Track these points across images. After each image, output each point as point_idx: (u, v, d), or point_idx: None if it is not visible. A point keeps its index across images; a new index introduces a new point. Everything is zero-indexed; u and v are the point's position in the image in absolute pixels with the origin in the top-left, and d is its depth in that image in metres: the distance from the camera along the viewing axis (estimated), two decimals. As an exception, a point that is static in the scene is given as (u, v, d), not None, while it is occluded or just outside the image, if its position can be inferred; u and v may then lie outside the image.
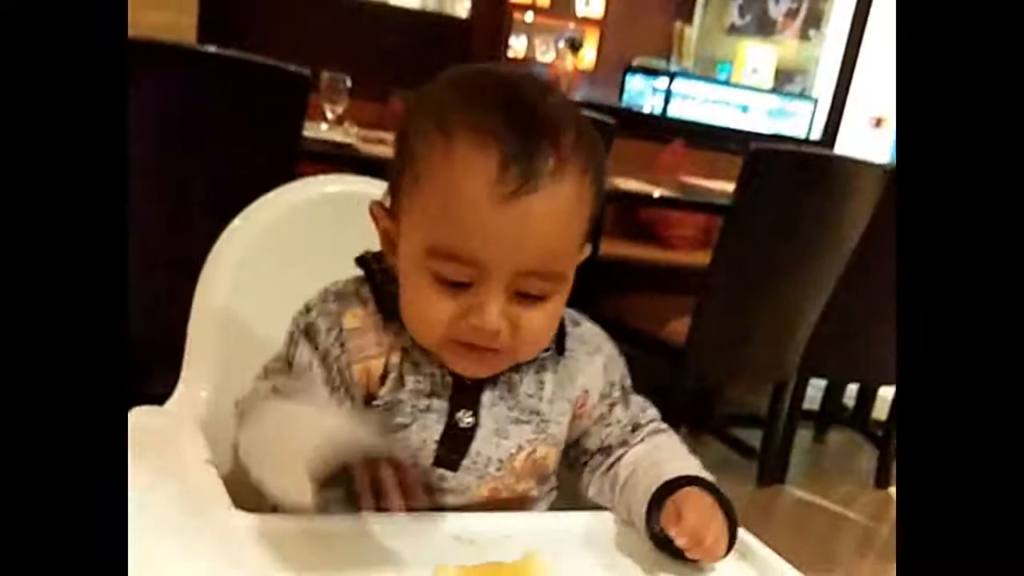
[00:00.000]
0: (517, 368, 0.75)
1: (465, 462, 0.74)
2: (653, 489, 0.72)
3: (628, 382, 0.83)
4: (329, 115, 2.76)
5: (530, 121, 0.65)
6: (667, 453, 0.79)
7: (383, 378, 0.72)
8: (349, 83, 2.78)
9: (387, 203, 0.73)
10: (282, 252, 0.92)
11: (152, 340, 1.28)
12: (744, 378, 2.93)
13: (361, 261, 0.76)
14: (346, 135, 2.68)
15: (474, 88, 0.69)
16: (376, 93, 3.42)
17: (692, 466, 0.76)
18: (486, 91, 0.68)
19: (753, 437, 2.80)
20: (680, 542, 0.68)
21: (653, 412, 0.84)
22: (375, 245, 0.93)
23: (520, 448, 0.75)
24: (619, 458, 0.80)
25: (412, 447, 0.72)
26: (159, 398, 0.85)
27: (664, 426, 0.83)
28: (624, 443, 0.81)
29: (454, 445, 0.73)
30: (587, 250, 0.73)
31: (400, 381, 0.72)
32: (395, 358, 0.72)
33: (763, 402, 2.72)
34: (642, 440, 0.81)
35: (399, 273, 0.71)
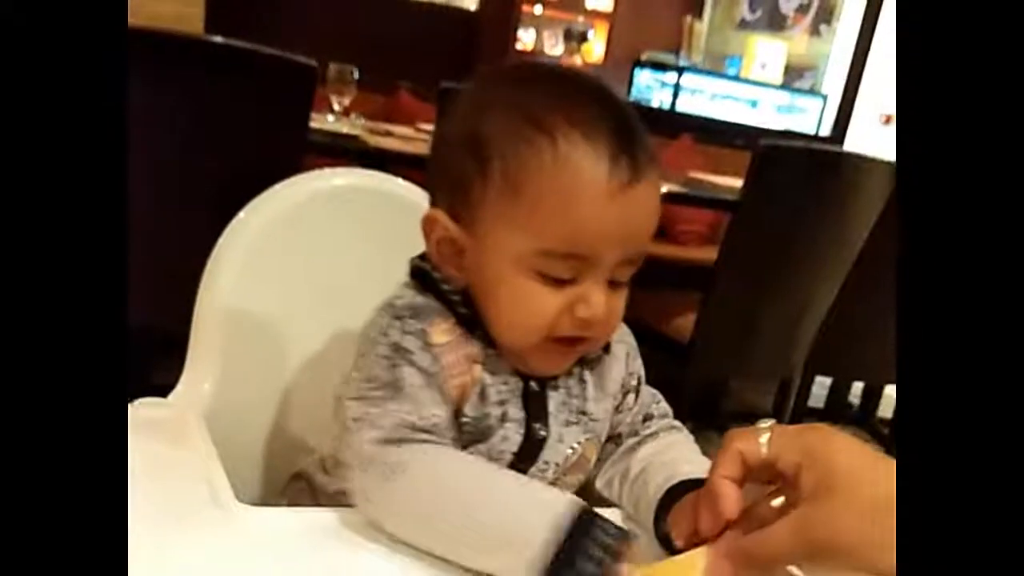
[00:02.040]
0: (569, 370, 0.75)
1: (532, 469, 0.73)
2: (664, 490, 0.71)
3: (643, 372, 0.83)
4: (336, 107, 2.76)
5: (623, 114, 0.68)
6: (680, 453, 0.78)
7: (465, 391, 0.70)
8: (356, 75, 2.78)
9: (442, 207, 0.71)
10: (288, 246, 0.92)
11: (157, 330, 1.28)
12: (749, 375, 2.92)
13: (419, 271, 0.73)
14: (353, 127, 2.68)
15: (554, 86, 0.69)
16: (383, 85, 3.42)
17: (704, 469, 0.76)
18: (568, 88, 0.69)
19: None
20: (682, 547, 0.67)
21: (665, 406, 0.83)
22: (382, 239, 0.93)
23: (573, 450, 0.75)
24: (630, 449, 0.79)
25: (491, 458, 0.71)
26: (164, 388, 0.85)
27: (678, 424, 0.83)
28: (635, 433, 0.80)
29: (528, 454, 0.73)
30: None
31: (483, 393, 0.71)
32: (477, 370, 0.71)
33: (768, 400, 2.72)
34: (655, 434, 0.80)
35: (484, 282, 0.69)
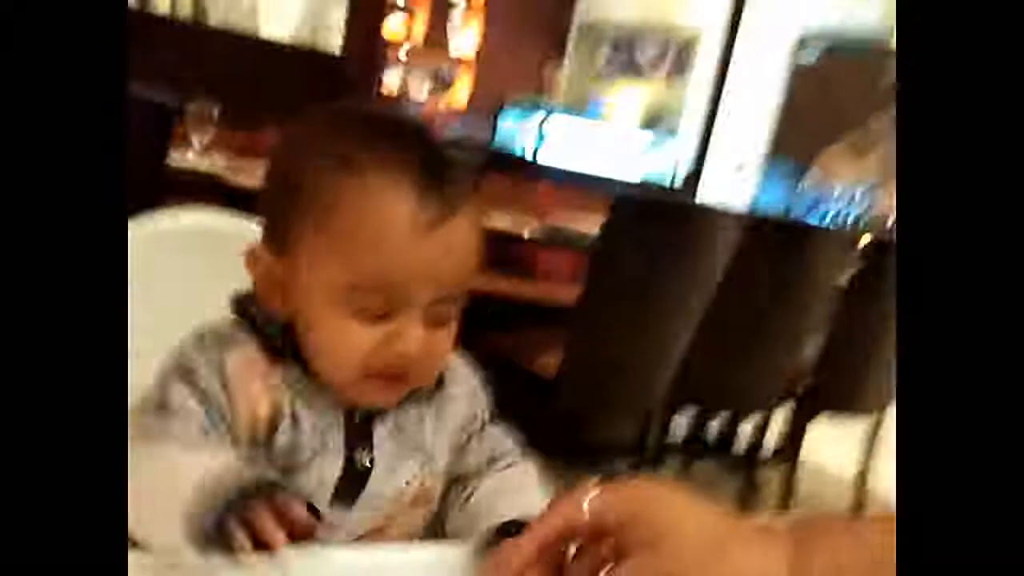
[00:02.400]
0: (401, 403, 0.75)
1: (360, 501, 0.73)
2: (477, 540, 0.70)
3: (486, 414, 0.83)
4: (195, 144, 2.70)
5: (432, 150, 0.68)
6: (508, 493, 0.77)
7: (274, 419, 0.70)
8: (217, 113, 2.73)
9: (264, 242, 0.72)
10: (133, 285, 0.89)
11: None
12: (614, 410, 2.98)
13: (238, 303, 0.74)
14: (213, 165, 2.62)
15: (366, 123, 0.71)
16: (247, 122, 3.37)
17: (530, 505, 0.73)
18: (379, 125, 0.70)
19: (621, 469, 2.85)
20: None
21: (511, 444, 0.83)
22: (229, 281, 0.91)
23: (409, 483, 0.75)
24: (473, 492, 0.79)
25: (310, 488, 0.70)
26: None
27: (520, 460, 0.82)
28: (478, 475, 0.80)
29: (351, 484, 0.72)
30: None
31: (295, 420, 0.70)
32: (284, 398, 0.71)
33: (633, 434, 2.78)
34: (497, 473, 0.80)
35: (302, 314, 0.70)
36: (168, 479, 0.62)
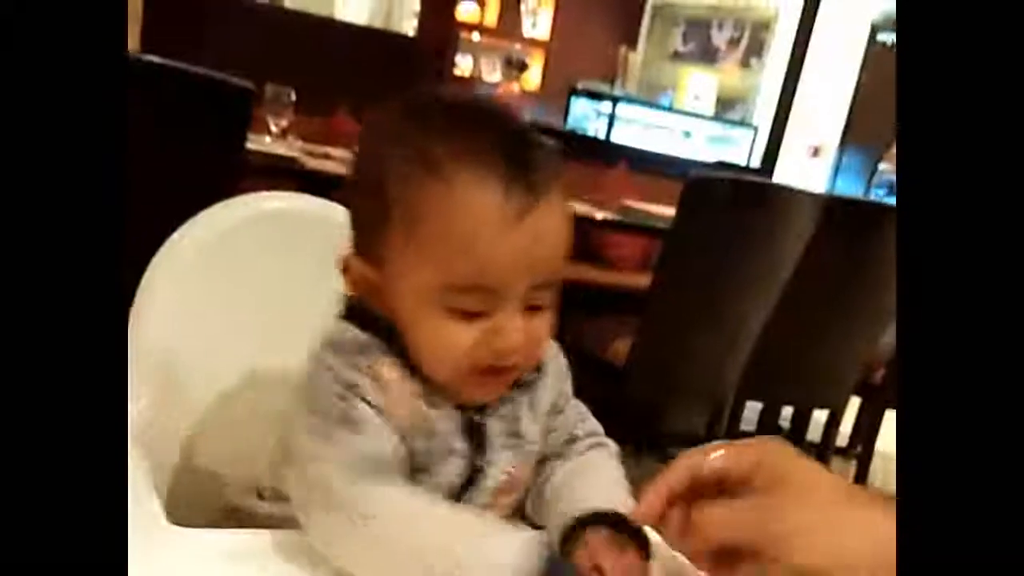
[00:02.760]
0: (509, 396, 0.75)
1: (465, 496, 0.73)
2: (564, 524, 0.71)
3: (570, 392, 0.82)
4: (273, 128, 2.74)
5: (515, 141, 0.67)
6: (592, 476, 0.77)
7: (413, 427, 0.70)
8: (294, 97, 2.77)
9: (355, 249, 0.72)
10: (221, 268, 0.91)
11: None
12: (684, 399, 2.96)
13: (354, 310, 0.73)
14: (290, 149, 2.66)
15: (446, 120, 0.69)
16: (321, 108, 3.41)
17: (615, 494, 0.74)
18: (460, 120, 0.69)
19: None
20: None
21: (593, 424, 0.83)
22: (314, 263, 0.93)
23: (508, 473, 0.75)
24: (552, 473, 0.79)
25: (435, 488, 0.71)
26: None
27: (603, 440, 0.82)
28: (559, 455, 0.80)
29: (469, 485, 0.73)
30: None
31: (430, 427, 0.71)
32: (420, 405, 0.71)
33: (702, 423, 2.76)
34: (577, 455, 0.80)
35: (402, 318, 0.70)
36: (418, 538, 0.63)
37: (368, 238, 0.71)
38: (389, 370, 0.70)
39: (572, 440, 0.81)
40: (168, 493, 0.71)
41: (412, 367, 0.71)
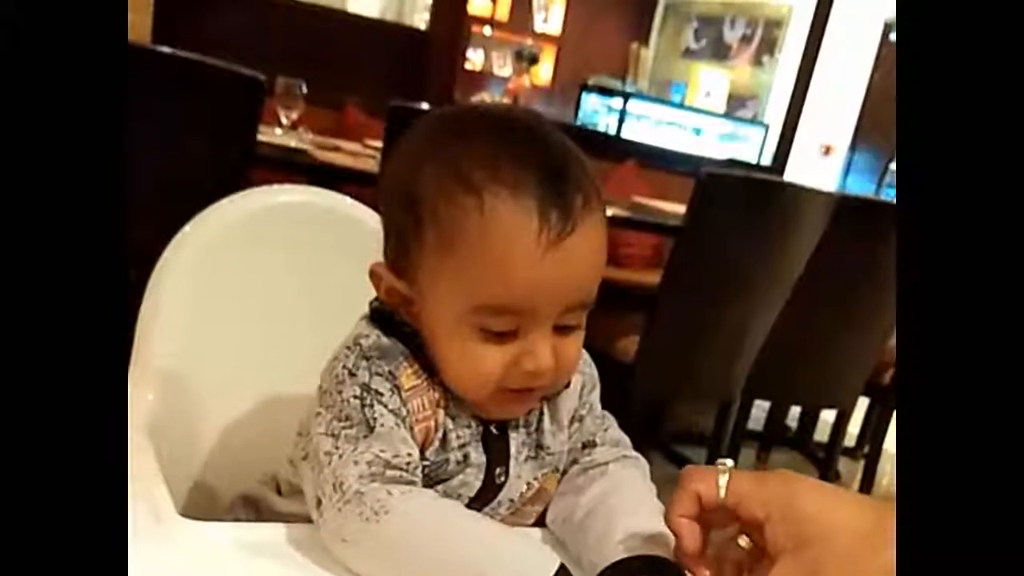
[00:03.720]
0: (531, 409, 0.75)
1: (486, 509, 0.73)
2: (603, 566, 0.68)
3: (597, 403, 0.81)
4: (284, 120, 2.74)
5: (552, 163, 0.66)
6: (626, 499, 0.75)
7: (430, 435, 0.70)
8: (304, 89, 2.77)
9: (387, 259, 0.72)
10: (232, 260, 0.91)
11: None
12: (691, 397, 2.96)
13: (379, 314, 0.73)
14: (301, 141, 2.66)
15: (485, 139, 0.68)
16: (332, 100, 3.41)
17: (649, 514, 0.72)
18: (498, 140, 0.67)
19: (698, 455, 2.82)
20: None
21: (616, 434, 0.81)
22: (327, 257, 0.93)
23: (530, 486, 0.75)
24: (577, 486, 0.77)
25: (448, 497, 0.70)
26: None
27: (631, 454, 0.80)
28: (575, 461, 0.79)
29: (485, 496, 0.73)
30: None
31: (444, 438, 0.70)
32: (440, 415, 0.71)
33: (709, 421, 2.75)
34: (603, 468, 0.77)
35: (431, 333, 0.69)
36: (431, 538, 0.63)
37: (400, 252, 0.70)
38: (409, 377, 0.69)
39: (589, 445, 0.79)
40: (179, 486, 0.71)
41: (432, 376, 0.70)
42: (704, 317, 2.46)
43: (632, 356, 2.44)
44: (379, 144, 2.80)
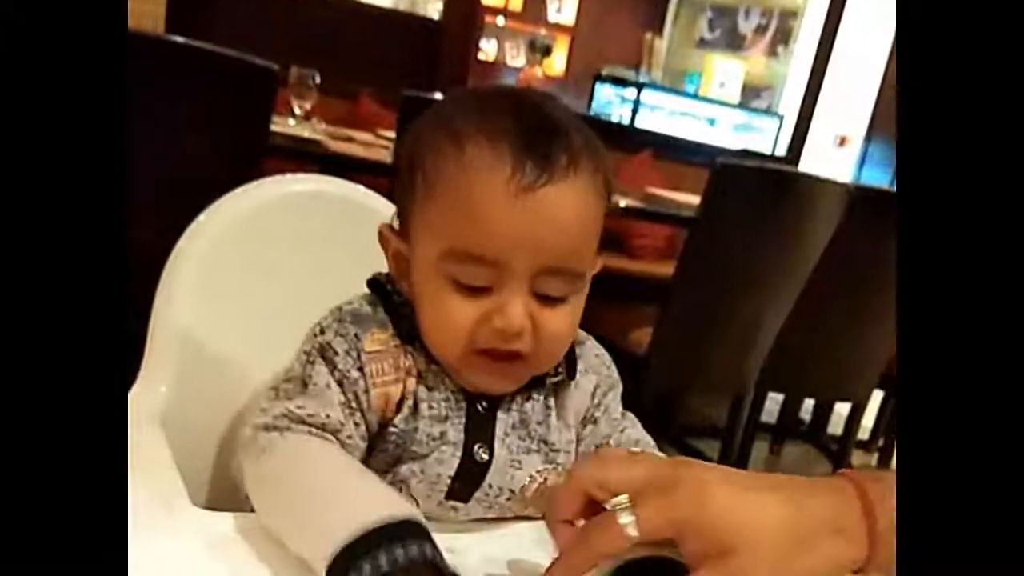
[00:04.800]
0: (528, 395, 0.74)
1: (477, 494, 0.72)
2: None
3: (615, 408, 0.79)
4: (297, 110, 2.74)
5: (539, 121, 0.67)
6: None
7: (400, 404, 0.70)
8: (318, 79, 2.77)
9: (395, 226, 0.73)
10: (247, 250, 0.91)
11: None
12: (704, 389, 2.95)
13: (374, 283, 0.74)
14: (314, 131, 2.66)
15: (481, 97, 0.70)
16: (345, 90, 3.41)
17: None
18: (493, 99, 0.69)
19: (712, 448, 2.82)
20: None
21: (633, 434, 0.79)
22: (341, 246, 0.93)
23: (532, 479, 0.73)
24: None
25: (427, 480, 0.70)
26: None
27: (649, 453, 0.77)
28: None
29: (469, 479, 0.71)
30: (599, 262, 0.73)
31: (415, 407, 0.70)
32: (411, 383, 0.71)
33: (722, 414, 2.75)
34: None
35: (415, 292, 0.70)
36: (299, 475, 0.64)
37: (400, 209, 0.72)
38: (373, 342, 0.70)
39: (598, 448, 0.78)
40: (199, 476, 0.71)
41: (411, 343, 0.71)
42: (717, 309, 2.45)
43: (645, 348, 2.43)
44: (392, 134, 2.80)
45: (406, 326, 0.71)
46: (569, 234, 0.67)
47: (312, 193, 0.96)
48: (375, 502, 0.59)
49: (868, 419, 3.14)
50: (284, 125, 2.60)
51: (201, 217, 0.90)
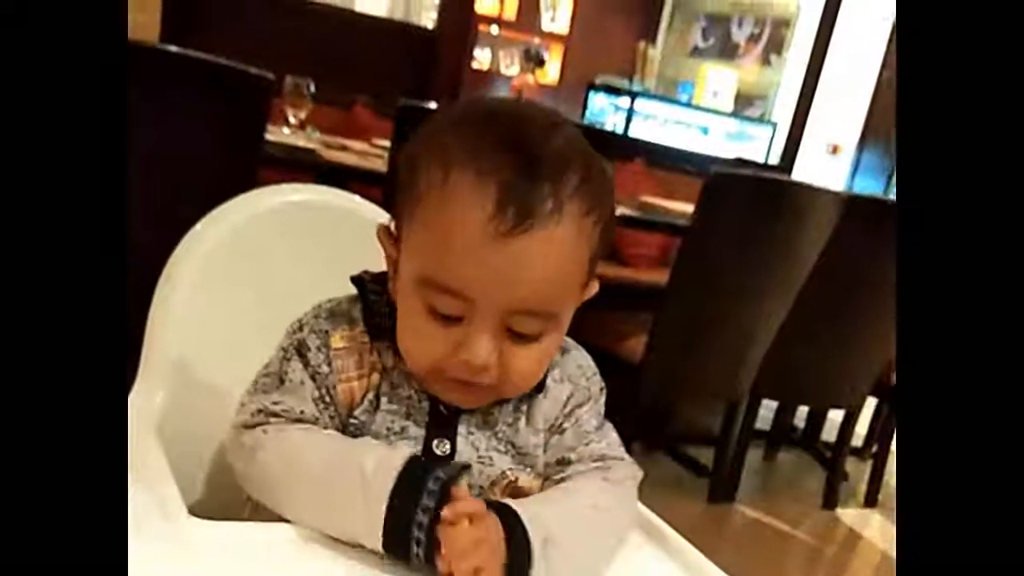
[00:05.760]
0: (499, 400, 0.74)
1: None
2: None
3: (588, 421, 0.78)
4: (292, 119, 2.75)
5: (532, 161, 0.64)
6: (559, 492, 0.74)
7: (364, 399, 0.72)
8: (313, 88, 2.77)
9: (392, 227, 0.73)
10: (243, 259, 0.92)
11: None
12: (698, 397, 2.96)
13: (356, 280, 0.75)
14: (308, 140, 2.67)
15: (481, 122, 0.67)
16: (340, 99, 3.41)
17: (557, 506, 0.71)
18: (492, 127, 0.66)
19: (705, 455, 2.82)
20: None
21: (596, 448, 0.77)
22: (337, 255, 0.93)
23: (503, 475, 0.74)
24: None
25: None
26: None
27: (608, 465, 0.77)
28: (546, 477, 0.76)
29: None
30: (593, 288, 0.72)
31: (375, 403, 0.71)
32: (375, 379, 0.72)
33: (716, 421, 2.75)
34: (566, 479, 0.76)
35: (397, 298, 0.70)
36: (298, 462, 0.67)
37: (395, 214, 0.72)
38: (342, 339, 0.72)
39: (563, 463, 0.77)
40: (194, 485, 0.71)
41: (380, 340, 0.72)
42: (711, 316, 2.45)
43: (639, 356, 2.43)
44: (387, 143, 2.81)
45: (377, 323, 0.72)
46: (543, 282, 0.65)
47: (307, 203, 0.96)
48: (382, 447, 0.66)
49: (862, 426, 3.15)
50: (279, 134, 2.60)
51: (197, 227, 0.90)
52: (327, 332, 0.72)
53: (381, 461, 0.64)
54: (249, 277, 0.92)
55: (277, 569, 0.63)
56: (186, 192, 1.29)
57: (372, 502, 0.62)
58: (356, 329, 0.72)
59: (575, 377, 0.78)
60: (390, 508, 0.62)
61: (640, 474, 0.79)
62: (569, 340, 0.77)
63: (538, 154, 0.64)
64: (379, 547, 0.63)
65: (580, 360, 0.80)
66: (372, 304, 0.73)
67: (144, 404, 0.84)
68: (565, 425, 0.77)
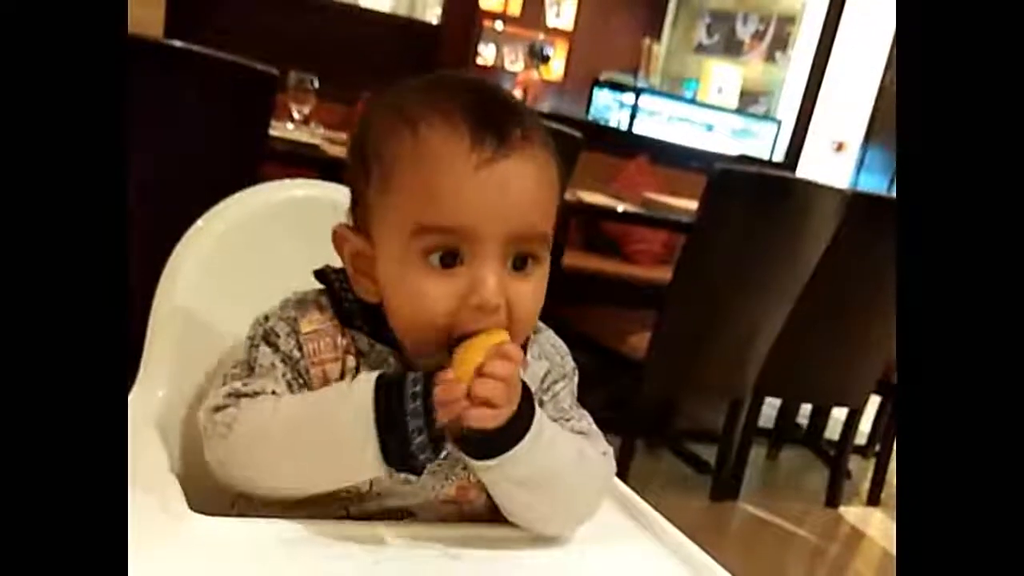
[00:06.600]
0: None
1: (430, 464, 0.71)
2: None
3: (561, 392, 0.79)
4: (296, 115, 2.75)
5: (492, 98, 0.70)
6: None
7: (340, 380, 0.72)
8: (316, 84, 2.77)
9: (351, 223, 0.74)
10: (245, 255, 0.91)
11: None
12: (701, 394, 2.95)
13: (320, 274, 0.76)
14: (312, 136, 2.67)
15: (427, 84, 0.72)
16: (344, 95, 3.41)
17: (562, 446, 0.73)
18: (440, 83, 0.72)
19: (708, 452, 2.82)
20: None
21: (578, 424, 0.78)
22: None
23: None
24: None
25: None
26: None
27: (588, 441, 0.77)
28: None
29: None
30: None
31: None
32: (351, 362, 0.73)
33: (719, 418, 2.75)
34: None
35: (383, 281, 0.71)
36: (273, 428, 0.68)
37: (356, 205, 0.73)
38: (311, 323, 0.73)
39: None
40: (194, 482, 0.71)
41: (351, 324, 0.73)
42: (715, 314, 2.45)
43: (642, 353, 2.43)
44: (390, 139, 2.80)
45: (347, 309, 0.73)
46: (534, 202, 0.69)
47: (311, 198, 0.96)
48: (346, 393, 0.66)
49: (865, 424, 3.14)
50: (283, 130, 2.60)
51: (200, 222, 0.90)
52: (295, 319, 0.73)
53: (357, 381, 0.66)
54: (251, 272, 0.92)
55: (279, 564, 0.63)
56: (189, 187, 1.29)
57: (360, 410, 0.64)
58: (325, 314, 0.74)
59: (550, 355, 0.80)
60: (376, 403, 0.64)
61: (613, 457, 0.79)
62: (540, 323, 0.78)
63: (493, 93, 0.71)
64: (378, 459, 0.64)
65: (553, 340, 0.82)
66: (339, 292, 0.74)
67: (145, 400, 0.84)
68: (543, 399, 0.78)
